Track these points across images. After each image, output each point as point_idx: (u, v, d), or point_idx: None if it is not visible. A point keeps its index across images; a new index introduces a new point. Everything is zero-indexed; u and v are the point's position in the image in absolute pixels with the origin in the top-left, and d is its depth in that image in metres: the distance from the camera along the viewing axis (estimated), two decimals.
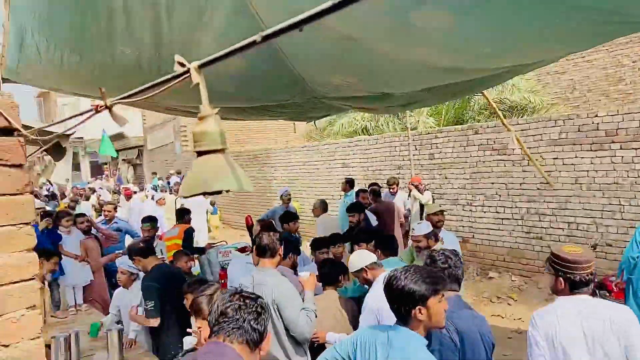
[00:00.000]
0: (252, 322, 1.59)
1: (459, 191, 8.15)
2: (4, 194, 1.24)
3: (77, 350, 3.61)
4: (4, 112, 1.20)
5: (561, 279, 2.29)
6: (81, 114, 1.62)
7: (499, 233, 7.57)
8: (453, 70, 3.82)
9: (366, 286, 3.34)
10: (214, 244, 7.02)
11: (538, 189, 6.95)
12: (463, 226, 8.17)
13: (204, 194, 1.35)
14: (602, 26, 3.11)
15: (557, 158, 6.69)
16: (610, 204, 6.24)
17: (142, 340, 3.93)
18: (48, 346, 3.55)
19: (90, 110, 1.58)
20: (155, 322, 3.65)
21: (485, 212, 7.76)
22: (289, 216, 5.96)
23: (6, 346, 1.27)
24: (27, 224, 1.28)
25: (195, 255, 6.39)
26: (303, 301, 3.11)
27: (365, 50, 3.34)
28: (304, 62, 3.80)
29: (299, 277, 3.35)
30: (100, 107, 1.55)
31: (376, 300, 3.02)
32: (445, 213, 8.27)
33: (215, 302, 1.67)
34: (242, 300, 1.64)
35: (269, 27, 3.57)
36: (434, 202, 8.28)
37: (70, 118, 1.83)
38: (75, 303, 5.21)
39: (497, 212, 7.56)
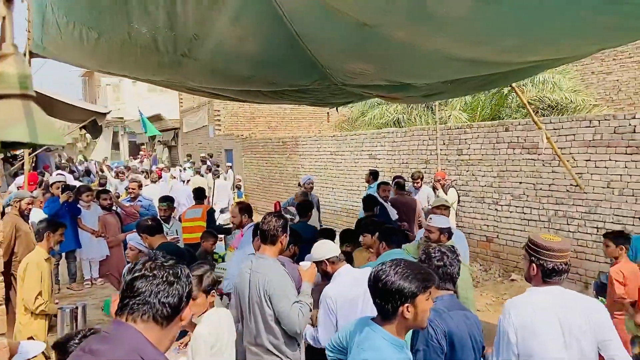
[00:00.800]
0: (160, 296, 1.40)
1: (486, 189, 7.93)
2: None
3: (84, 322, 3.68)
4: None
5: (534, 265, 2.27)
6: None
7: (525, 234, 7.32)
8: (475, 62, 3.69)
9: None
10: None
11: (567, 191, 6.67)
12: (488, 225, 7.96)
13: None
14: (636, 22, 2.92)
15: (589, 160, 6.40)
16: None
17: None
18: (56, 316, 3.66)
19: None
20: None
21: (511, 212, 7.52)
22: (307, 206, 5.91)
23: None
24: None
25: (221, 236, 6.48)
26: (299, 292, 3.02)
27: (381, 39, 3.26)
28: (321, 48, 3.74)
29: (299, 267, 3.26)
30: None
31: (334, 294, 3.00)
32: (470, 211, 8.16)
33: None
34: (149, 270, 1.43)
35: (284, 9, 3.51)
36: (459, 199, 8.11)
37: None
38: (91, 277, 5.35)
39: (523, 212, 7.31)
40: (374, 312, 2.01)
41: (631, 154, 5.97)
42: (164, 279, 1.43)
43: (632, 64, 13.55)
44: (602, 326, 2.20)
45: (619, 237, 4.26)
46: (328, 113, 18.86)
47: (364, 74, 4.08)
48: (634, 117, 5.98)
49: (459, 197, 8.03)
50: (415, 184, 7.92)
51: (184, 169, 15.61)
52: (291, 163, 13.52)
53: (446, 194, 7.48)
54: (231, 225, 7.42)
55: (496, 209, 7.77)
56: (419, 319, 1.93)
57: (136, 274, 1.43)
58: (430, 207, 7.56)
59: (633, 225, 6.00)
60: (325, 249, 3.20)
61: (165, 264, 1.47)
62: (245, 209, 4.79)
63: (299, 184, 7.95)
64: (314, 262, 3.20)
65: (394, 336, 1.93)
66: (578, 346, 2.17)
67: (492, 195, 7.82)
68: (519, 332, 2.22)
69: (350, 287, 2.99)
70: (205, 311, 2.65)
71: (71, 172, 12.77)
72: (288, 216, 4.41)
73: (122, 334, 1.36)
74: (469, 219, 8.22)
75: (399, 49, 3.46)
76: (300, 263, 3.36)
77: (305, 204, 6.11)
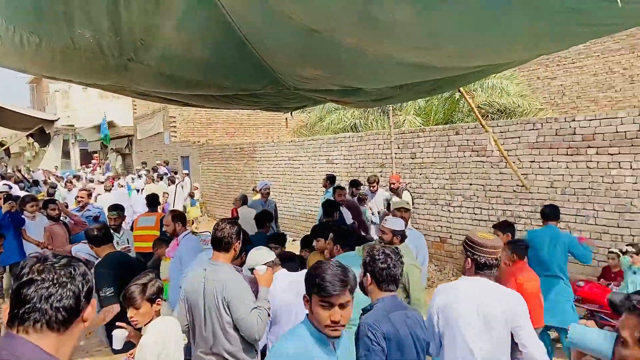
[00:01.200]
0: (51, 300, 1.27)
1: (439, 191, 8.14)
2: None
3: None
4: None
5: (469, 259, 2.52)
6: None
7: None
8: (422, 67, 3.79)
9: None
10: (200, 232, 7.09)
11: (514, 191, 6.94)
12: (441, 226, 8.16)
13: None
14: (568, 29, 3.09)
15: (534, 161, 6.68)
16: (584, 208, 6.24)
17: (98, 329, 3.87)
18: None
19: None
20: (116, 309, 3.55)
21: (463, 213, 7.75)
22: (266, 217, 5.88)
23: None
24: None
25: None
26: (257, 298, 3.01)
27: (330, 44, 3.31)
28: (272, 53, 3.76)
29: (255, 271, 3.26)
30: None
31: (270, 297, 3.05)
32: (424, 213, 8.35)
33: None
34: (37, 273, 1.29)
35: (232, 14, 3.51)
36: (413, 202, 8.28)
37: None
38: None
39: (474, 213, 7.55)
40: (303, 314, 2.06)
41: (572, 155, 6.28)
42: (54, 281, 1.30)
43: (575, 69, 14.26)
44: (516, 314, 2.43)
45: (505, 227, 4.74)
46: (286, 119, 18.92)
47: (315, 78, 4.12)
48: (574, 120, 6.30)
49: (413, 199, 8.19)
50: (371, 188, 8.04)
51: (139, 177, 15.25)
52: (249, 169, 13.45)
53: (400, 197, 7.61)
54: None
55: (449, 210, 7.98)
56: (315, 319, 1.96)
57: (22, 280, 1.29)
58: (386, 210, 7.71)
59: (575, 222, 6.32)
60: (260, 254, 3.27)
61: (56, 264, 1.33)
62: (178, 217, 4.74)
63: (254, 189, 7.92)
64: (249, 269, 3.23)
65: (318, 331, 1.97)
66: (492, 332, 2.41)
67: (444, 197, 8.04)
68: (441, 314, 2.50)
69: (285, 291, 3.04)
70: (150, 320, 2.61)
71: (18, 182, 12.23)
72: None
73: (11, 347, 1.24)
74: (423, 220, 8.41)
75: (348, 54, 3.52)
76: (256, 267, 3.36)
77: (264, 214, 6.06)
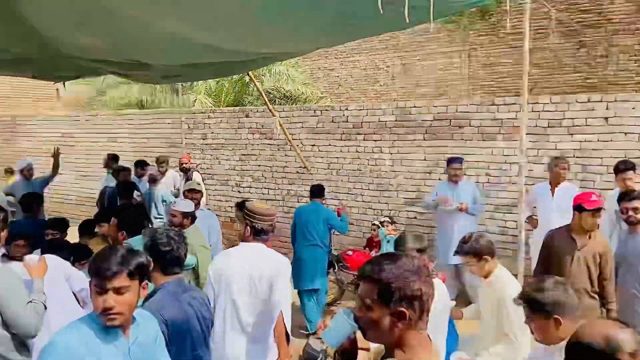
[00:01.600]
0: None
1: (229, 172, 8.29)
2: None
3: None
4: None
5: (248, 227, 2.79)
6: None
7: None
8: (210, 48, 3.80)
9: None
10: None
11: (298, 172, 7.52)
12: (232, 207, 8.32)
13: None
14: (341, 28, 3.47)
15: (314, 145, 7.34)
16: (354, 187, 7.12)
17: None
18: None
19: None
20: None
21: (252, 193, 8.06)
22: (34, 200, 5.13)
23: None
24: None
25: None
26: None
27: (108, 13, 3.08)
28: (39, 15, 3.30)
29: (24, 262, 2.92)
30: None
31: None
32: (215, 194, 8.43)
33: None
34: None
35: None
36: (204, 182, 8.26)
37: None
38: None
39: (262, 193, 7.93)
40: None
41: (345, 140, 7.10)
42: None
43: (349, 63, 15.92)
44: (280, 274, 2.75)
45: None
46: (57, 90, 16.64)
47: (93, 47, 3.78)
48: (347, 109, 7.11)
49: (203, 180, 8.18)
50: (160, 168, 7.71)
51: None
52: (9, 146, 11.54)
53: (190, 178, 7.51)
54: None
55: (239, 191, 8.21)
56: None
57: None
58: (177, 190, 7.53)
59: (347, 199, 7.17)
60: None
61: None
62: None
63: (7, 171, 6.81)
64: None
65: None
66: (256, 289, 2.72)
67: (235, 177, 8.23)
68: (215, 274, 2.77)
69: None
70: None
71: None
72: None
73: None
74: (214, 201, 8.48)
75: (130, 25, 3.34)
76: (27, 257, 3.01)
77: (31, 197, 5.30)
